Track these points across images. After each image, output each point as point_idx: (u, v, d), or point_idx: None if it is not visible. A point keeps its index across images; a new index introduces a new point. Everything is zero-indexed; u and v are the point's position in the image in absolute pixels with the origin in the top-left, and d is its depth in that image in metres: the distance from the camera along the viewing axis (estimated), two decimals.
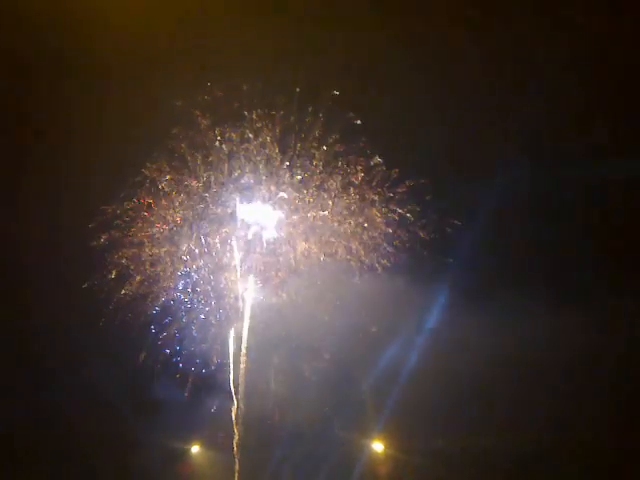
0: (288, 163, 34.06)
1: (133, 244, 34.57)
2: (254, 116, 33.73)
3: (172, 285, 35.20)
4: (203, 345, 34.97)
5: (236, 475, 34.07)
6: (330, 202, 33.97)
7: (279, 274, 34.89)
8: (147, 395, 34.30)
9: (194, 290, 35.71)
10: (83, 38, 30.13)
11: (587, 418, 30.78)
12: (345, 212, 34.16)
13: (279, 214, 34.50)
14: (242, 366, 34.47)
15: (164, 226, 35.09)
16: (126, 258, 34.43)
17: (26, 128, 33.83)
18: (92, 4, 29.94)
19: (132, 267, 34.04)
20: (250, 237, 34.71)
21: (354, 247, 34.28)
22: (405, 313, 32.97)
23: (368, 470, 32.52)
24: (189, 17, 31.17)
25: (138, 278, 34.52)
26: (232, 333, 35.25)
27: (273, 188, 34.43)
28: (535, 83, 32.74)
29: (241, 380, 34.52)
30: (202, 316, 35.36)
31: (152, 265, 34.86)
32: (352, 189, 34.03)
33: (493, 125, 32.50)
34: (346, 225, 34.28)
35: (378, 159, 33.40)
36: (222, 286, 35.32)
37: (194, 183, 35.03)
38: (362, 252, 34.15)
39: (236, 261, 35.19)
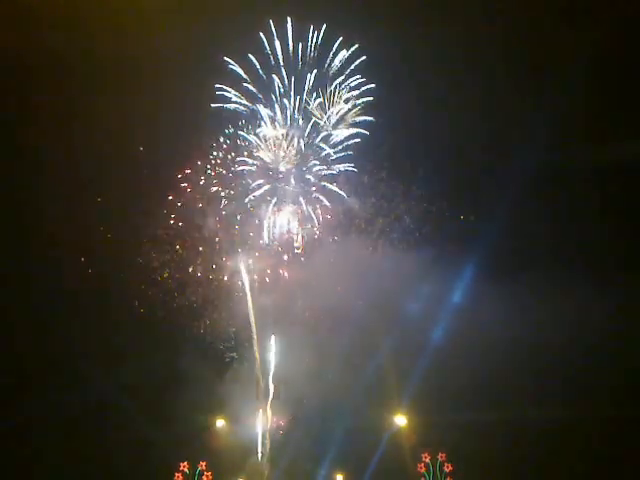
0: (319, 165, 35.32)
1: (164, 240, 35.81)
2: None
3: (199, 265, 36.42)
4: (230, 322, 36.22)
5: (259, 449, 35.32)
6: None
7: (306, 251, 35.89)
8: (175, 370, 35.23)
9: (218, 270, 36.81)
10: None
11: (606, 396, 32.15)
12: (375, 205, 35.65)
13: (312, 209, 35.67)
14: (268, 342, 35.83)
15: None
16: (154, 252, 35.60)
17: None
18: None
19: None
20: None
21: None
22: (429, 294, 34.15)
23: (392, 443, 33.40)
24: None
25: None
26: (254, 310, 36.36)
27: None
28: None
29: (266, 356, 35.89)
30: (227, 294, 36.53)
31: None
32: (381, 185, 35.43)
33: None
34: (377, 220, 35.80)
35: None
36: (247, 267, 36.43)
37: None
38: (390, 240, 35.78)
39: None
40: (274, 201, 35.56)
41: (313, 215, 35.38)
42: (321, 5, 33.61)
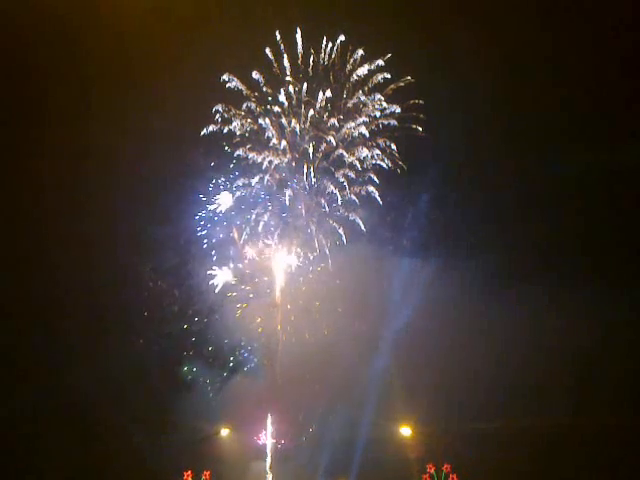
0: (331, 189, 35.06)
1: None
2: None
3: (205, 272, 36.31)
4: (235, 331, 36.07)
5: (266, 458, 35.12)
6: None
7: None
8: (180, 379, 35.08)
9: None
10: None
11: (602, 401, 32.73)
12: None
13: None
14: (274, 350, 35.73)
15: None
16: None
17: None
18: None
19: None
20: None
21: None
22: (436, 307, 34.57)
23: (397, 454, 33.50)
24: None
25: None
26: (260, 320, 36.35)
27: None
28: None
29: (273, 364, 35.76)
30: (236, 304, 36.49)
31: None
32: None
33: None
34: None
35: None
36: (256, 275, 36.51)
37: None
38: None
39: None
40: (278, 231, 35.16)
41: (325, 244, 34.98)
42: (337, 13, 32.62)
